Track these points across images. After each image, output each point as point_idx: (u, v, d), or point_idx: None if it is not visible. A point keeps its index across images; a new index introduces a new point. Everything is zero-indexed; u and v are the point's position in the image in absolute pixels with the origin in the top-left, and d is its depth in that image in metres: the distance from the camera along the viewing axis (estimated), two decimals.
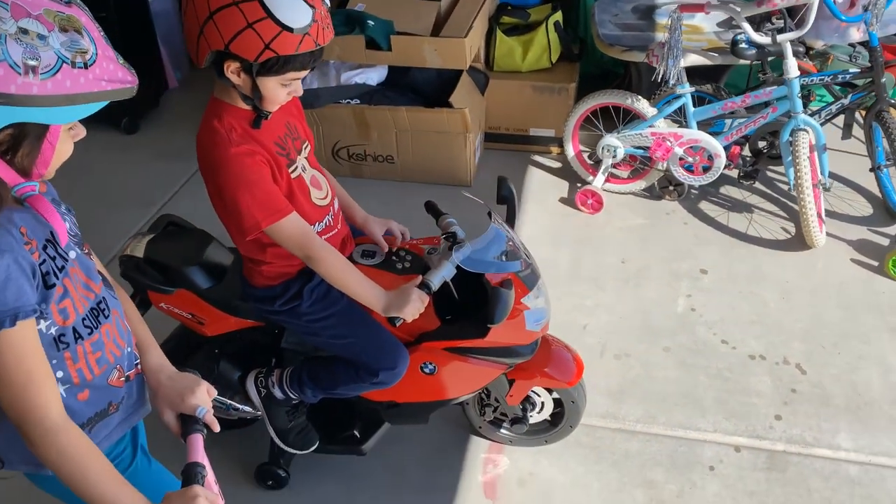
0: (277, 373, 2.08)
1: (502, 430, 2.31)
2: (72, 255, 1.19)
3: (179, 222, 2.22)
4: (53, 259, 1.14)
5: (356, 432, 2.18)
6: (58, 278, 1.14)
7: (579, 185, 3.47)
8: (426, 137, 3.49)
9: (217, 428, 1.30)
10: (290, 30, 1.48)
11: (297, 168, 1.78)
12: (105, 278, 1.31)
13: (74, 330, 1.18)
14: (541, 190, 3.58)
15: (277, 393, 2.07)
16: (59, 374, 1.18)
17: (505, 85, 3.69)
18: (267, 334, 2.10)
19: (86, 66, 1.01)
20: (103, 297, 1.26)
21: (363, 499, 2.21)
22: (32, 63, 0.96)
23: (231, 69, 1.55)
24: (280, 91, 1.61)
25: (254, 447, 2.27)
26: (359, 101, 3.44)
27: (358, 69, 3.49)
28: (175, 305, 2.07)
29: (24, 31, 0.96)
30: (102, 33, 1.07)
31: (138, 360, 1.34)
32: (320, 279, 1.83)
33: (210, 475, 1.21)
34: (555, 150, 3.80)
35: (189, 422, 1.26)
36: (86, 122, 1.16)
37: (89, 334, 1.21)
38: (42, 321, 1.13)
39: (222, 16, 1.47)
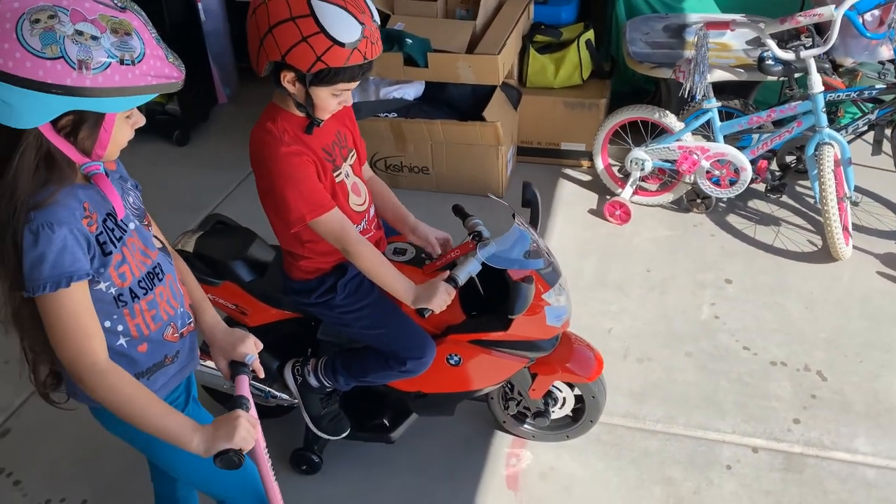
0: (313, 362, 2.22)
1: (525, 425, 2.41)
2: (131, 226, 1.37)
3: (226, 221, 2.39)
4: (112, 230, 1.31)
5: (386, 421, 2.30)
6: (115, 246, 1.32)
7: (608, 196, 3.57)
8: (460, 150, 3.63)
9: (262, 374, 1.52)
10: (341, 44, 1.62)
11: (340, 173, 1.92)
12: (165, 247, 1.49)
13: (131, 290, 1.36)
14: (571, 202, 3.68)
15: (312, 381, 2.21)
16: (120, 327, 1.37)
17: (537, 101, 3.82)
18: (304, 326, 2.24)
19: (133, 64, 1.17)
20: (158, 263, 1.43)
21: (391, 485, 2.33)
22: (86, 60, 1.12)
23: (287, 79, 1.70)
24: (331, 100, 1.76)
25: (290, 434, 2.41)
26: (396, 115, 3.60)
27: (396, 85, 3.66)
28: (221, 297, 2.23)
29: (80, 33, 1.12)
30: (155, 35, 1.23)
31: (191, 320, 1.53)
32: (353, 275, 1.98)
33: (252, 409, 1.41)
34: (585, 163, 3.91)
35: (237, 366, 1.49)
36: (139, 134, 1.34)
37: (144, 294, 1.39)
38: (102, 282, 1.31)
39: (280, 30, 1.63)
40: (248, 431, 1.32)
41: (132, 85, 1.17)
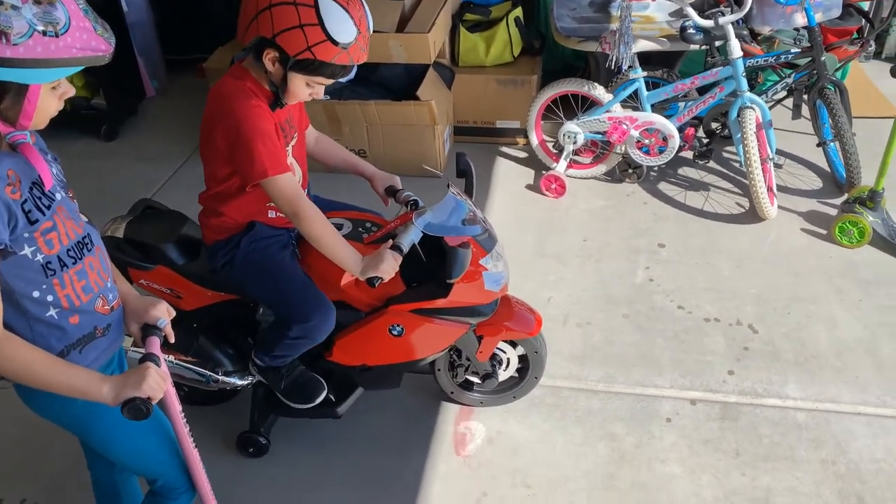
0: (252, 351, 2.21)
1: (473, 393, 2.44)
2: (58, 196, 1.35)
3: (156, 205, 2.35)
4: (39, 198, 1.30)
5: (331, 396, 2.29)
6: (44, 214, 1.30)
7: (544, 171, 3.63)
8: (396, 130, 3.63)
9: (172, 339, 1.53)
10: (334, 42, 1.67)
11: (287, 151, 1.94)
12: (89, 220, 1.47)
13: (59, 259, 1.34)
14: (508, 178, 3.73)
15: (259, 362, 2.20)
16: (50, 297, 1.35)
17: (470, 79, 3.86)
18: (243, 307, 2.22)
19: (57, 35, 1.14)
20: (88, 234, 1.42)
21: (340, 462, 2.33)
22: (5, 30, 1.09)
23: (269, 56, 1.73)
24: (304, 89, 1.80)
25: (235, 418, 2.39)
26: (329, 98, 3.58)
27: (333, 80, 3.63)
28: (154, 281, 2.19)
29: (0, 3, 1.09)
30: (83, 6, 1.20)
31: (118, 294, 1.52)
32: (261, 236, 1.99)
33: (163, 366, 1.42)
34: (521, 140, 3.96)
35: (149, 328, 1.50)
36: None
37: (73, 264, 1.37)
38: (27, 248, 1.29)
39: (280, 10, 1.65)
40: (156, 382, 1.34)
41: (55, 57, 1.14)
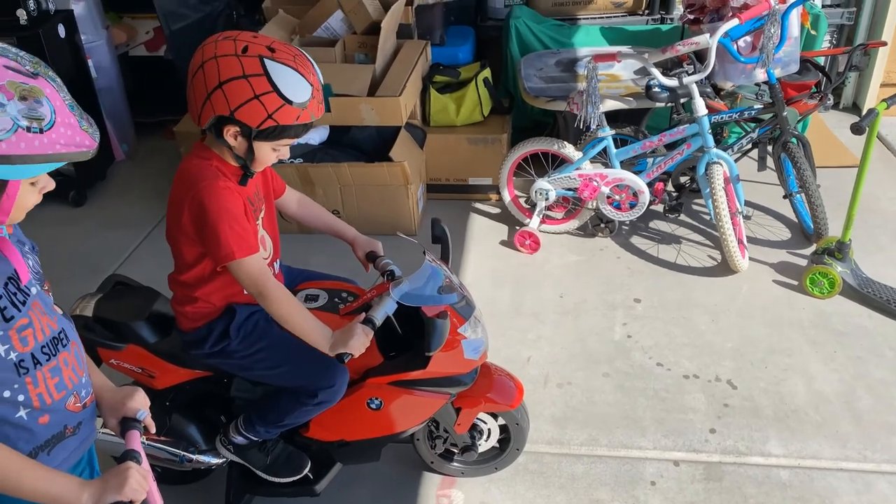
0: (233, 424, 2.14)
1: (453, 463, 2.39)
2: (33, 290, 1.31)
3: (126, 281, 2.30)
4: (14, 294, 1.25)
5: (309, 473, 2.23)
6: (20, 311, 1.26)
7: (517, 227, 3.64)
8: (370, 191, 3.64)
9: (153, 429, 1.47)
10: (292, 103, 1.67)
11: (257, 223, 1.92)
12: (64, 312, 1.43)
13: (33, 356, 1.29)
14: (482, 234, 3.74)
15: (240, 440, 2.14)
16: (21, 397, 1.29)
17: (442, 139, 3.89)
18: (216, 384, 2.16)
19: (41, 132, 1.13)
20: (63, 329, 1.37)
21: None
22: None
23: (230, 132, 1.72)
24: (271, 154, 1.80)
25: (209, 497, 2.31)
26: (302, 160, 3.58)
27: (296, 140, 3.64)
28: (125, 360, 2.13)
29: None
30: (68, 101, 1.19)
31: (92, 389, 1.46)
32: (244, 317, 1.95)
33: (144, 462, 1.36)
34: (493, 196, 3.99)
35: (127, 421, 1.45)
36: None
37: (47, 360, 1.32)
38: (0, 346, 1.24)
39: (231, 87, 1.65)
40: (138, 483, 1.28)
41: (38, 153, 1.13)
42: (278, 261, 2.09)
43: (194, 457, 2.21)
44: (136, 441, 1.40)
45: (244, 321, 1.97)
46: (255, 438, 2.13)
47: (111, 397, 1.48)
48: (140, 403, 1.46)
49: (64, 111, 1.17)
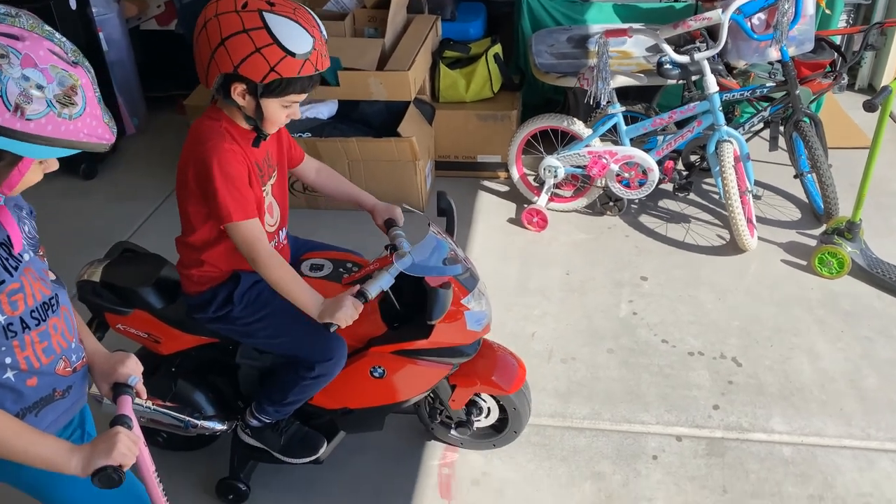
0: (248, 410, 2.17)
1: (452, 432, 2.41)
2: (26, 257, 1.32)
3: (134, 248, 2.32)
4: (6, 259, 1.27)
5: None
6: (11, 275, 1.27)
7: (525, 205, 3.63)
8: (378, 167, 3.64)
9: (144, 395, 1.48)
10: (293, 55, 1.66)
11: (264, 191, 1.93)
12: (58, 279, 1.44)
13: (21, 320, 1.30)
14: (490, 212, 3.74)
15: (255, 423, 2.16)
16: (8, 360, 1.30)
17: (451, 115, 3.88)
18: (222, 350, 2.18)
19: (70, 118, 1.15)
20: (55, 294, 1.38)
21: None
22: (23, 105, 1.10)
23: (238, 91, 1.72)
24: (280, 112, 1.79)
25: (214, 463, 2.34)
26: (310, 135, 3.59)
27: (309, 104, 3.65)
28: (132, 326, 2.15)
29: (26, 79, 1.10)
30: (98, 94, 1.22)
31: (84, 354, 1.47)
32: (249, 284, 1.96)
33: (136, 429, 1.37)
34: (502, 174, 3.97)
35: (119, 386, 1.45)
36: None
37: (36, 325, 1.33)
38: None
39: (232, 42, 1.65)
40: (127, 447, 1.29)
41: (62, 138, 1.15)
42: (285, 229, 2.09)
43: (199, 422, 2.23)
44: (128, 406, 1.40)
45: (248, 289, 1.98)
46: (268, 420, 2.15)
47: (103, 363, 1.48)
48: (131, 369, 1.46)
49: (93, 103, 1.20)
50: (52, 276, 1.41)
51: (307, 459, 2.20)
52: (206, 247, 1.92)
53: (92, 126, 1.19)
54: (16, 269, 1.28)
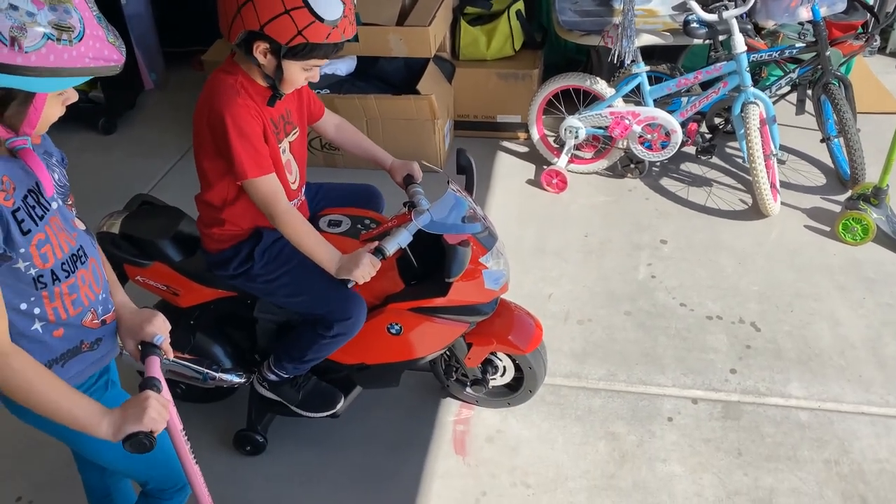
0: (265, 364, 2.19)
1: (468, 390, 2.42)
2: (53, 205, 1.30)
3: (153, 201, 2.32)
4: (33, 208, 1.25)
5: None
6: (37, 225, 1.25)
7: (545, 166, 3.59)
8: (396, 125, 3.60)
9: (171, 355, 1.46)
10: (322, 20, 1.64)
11: (281, 147, 1.91)
12: (87, 228, 1.42)
13: (52, 272, 1.29)
14: (509, 173, 3.70)
15: (272, 377, 2.18)
16: (37, 310, 1.30)
17: (471, 73, 3.82)
18: (240, 304, 2.19)
19: (70, 43, 1.09)
20: (81, 245, 1.37)
21: (337, 460, 2.31)
22: (19, 37, 1.04)
23: (260, 49, 1.69)
24: (300, 75, 1.77)
25: (232, 415, 2.37)
26: (328, 91, 3.55)
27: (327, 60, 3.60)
28: (150, 278, 2.16)
29: (14, 7, 1.04)
30: (96, 13, 1.15)
31: (113, 306, 1.46)
32: (270, 242, 1.96)
33: (166, 391, 1.36)
34: (521, 135, 3.93)
35: (147, 346, 1.42)
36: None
37: (66, 277, 1.32)
38: (21, 262, 1.23)
39: (262, 0, 1.61)
40: (158, 412, 1.27)
41: (68, 66, 1.09)
42: (304, 187, 2.08)
43: (218, 375, 2.26)
44: (157, 368, 1.38)
45: (270, 246, 1.98)
46: (286, 375, 2.16)
47: (130, 318, 1.46)
48: (158, 328, 1.43)
49: (92, 23, 1.13)
50: (82, 226, 1.40)
51: (324, 413, 2.22)
52: (226, 205, 1.92)
53: (97, 49, 1.12)
54: (41, 218, 1.26)
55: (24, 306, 1.27)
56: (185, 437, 1.43)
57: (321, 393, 2.23)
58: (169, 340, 1.45)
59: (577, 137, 3.46)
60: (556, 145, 3.69)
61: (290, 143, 1.96)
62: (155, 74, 4.62)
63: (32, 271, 1.26)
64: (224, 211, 1.93)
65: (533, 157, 3.77)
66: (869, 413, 2.39)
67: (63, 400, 1.24)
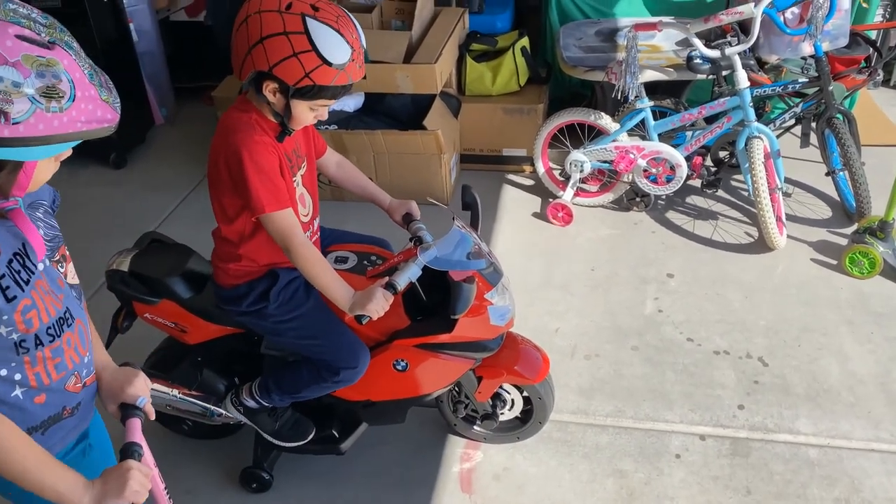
0: (247, 387, 2.19)
1: (476, 427, 2.41)
2: (40, 266, 1.23)
3: (162, 238, 2.34)
4: (18, 272, 1.18)
5: (334, 432, 2.27)
6: (23, 290, 1.18)
7: (551, 199, 3.62)
8: (403, 159, 3.64)
9: (153, 417, 1.41)
10: (330, 64, 1.67)
11: (294, 181, 1.94)
12: (75, 286, 1.35)
13: (37, 337, 1.22)
14: (515, 206, 3.72)
15: (251, 404, 2.18)
16: (17, 376, 1.23)
17: (477, 108, 3.87)
18: (248, 341, 2.20)
19: (61, 109, 1.04)
20: (68, 308, 1.30)
21: (343, 497, 2.30)
22: (5, 109, 0.99)
23: (269, 88, 1.74)
24: (308, 114, 1.81)
25: (238, 452, 2.37)
26: (336, 127, 3.60)
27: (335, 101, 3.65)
28: (159, 315, 2.18)
29: (0, 79, 0.99)
30: (87, 70, 1.09)
31: (93, 369, 1.40)
32: (286, 282, 1.97)
33: (148, 455, 1.31)
34: (527, 168, 3.96)
35: (128, 408, 1.37)
36: (75, 158, 1.22)
37: (51, 341, 1.25)
38: (3, 327, 1.17)
39: (271, 42, 1.66)
40: (139, 483, 1.22)
41: (59, 133, 1.05)
42: (317, 219, 2.10)
43: (223, 411, 2.26)
44: (138, 432, 1.32)
45: (285, 286, 1.99)
46: (267, 404, 2.17)
47: (111, 379, 1.40)
48: (140, 389, 1.38)
49: (83, 83, 1.08)
50: (74, 281, 1.33)
51: (297, 444, 2.22)
52: (244, 240, 1.93)
53: (89, 111, 1.07)
54: (27, 282, 1.19)
55: (3, 372, 1.20)
56: (169, 498, 1.40)
57: (296, 423, 2.24)
58: (150, 401, 1.40)
59: (582, 171, 3.49)
60: (561, 178, 3.71)
61: (301, 176, 1.99)
62: (165, 110, 4.69)
63: (14, 336, 1.20)
64: (241, 246, 1.95)
65: (539, 190, 3.80)
66: (879, 450, 2.36)
67: (48, 473, 1.19)
